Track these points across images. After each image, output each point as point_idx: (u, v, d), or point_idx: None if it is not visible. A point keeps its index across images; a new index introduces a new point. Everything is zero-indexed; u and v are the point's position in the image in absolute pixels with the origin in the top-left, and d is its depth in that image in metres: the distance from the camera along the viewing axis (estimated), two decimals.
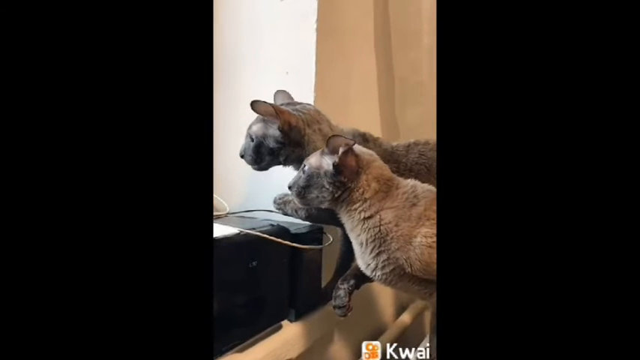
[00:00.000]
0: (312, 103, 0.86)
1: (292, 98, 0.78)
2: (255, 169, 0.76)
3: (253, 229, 0.65)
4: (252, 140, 0.73)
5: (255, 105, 0.67)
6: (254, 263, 0.64)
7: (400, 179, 0.69)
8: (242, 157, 0.75)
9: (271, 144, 0.71)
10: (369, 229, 0.64)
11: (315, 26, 0.86)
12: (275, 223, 0.75)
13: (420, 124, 1.27)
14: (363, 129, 1.15)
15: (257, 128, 0.72)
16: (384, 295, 1.20)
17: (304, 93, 0.86)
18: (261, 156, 0.73)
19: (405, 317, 1.18)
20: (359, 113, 1.09)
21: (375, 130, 1.21)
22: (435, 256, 0.62)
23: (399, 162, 0.74)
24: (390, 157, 0.76)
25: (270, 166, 0.74)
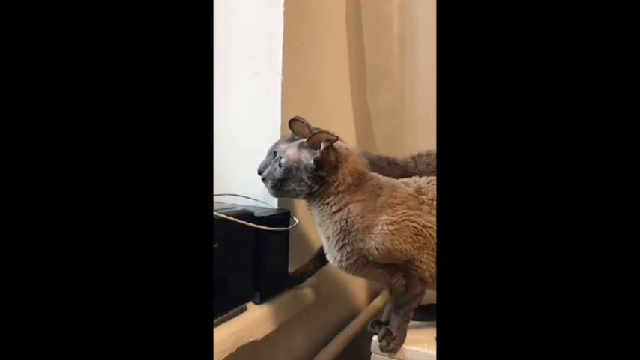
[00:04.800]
0: (279, 87, 0.86)
1: (309, 125, 0.79)
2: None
3: (216, 211, 0.65)
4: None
5: (292, 123, 0.69)
6: (215, 244, 0.64)
7: (369, 172, 0.70)
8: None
9: None
10: (336, 222, 0.65)
11: (282, 10, 0.85)
12: (240, 207, 0.75)
13: (390, 111, 1.28)
14: (333, 115, 1.15)
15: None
16: (357, 281, 1.21)
17: (271, 76, 0.86)
18: None
19: (378, 302, 1.20)
20: (329, 99, 1.09)
21: (347, 117, 1.22)
22: (396, 241, 0.63)
23: (413, 174, 0.77)
24: (406, 173, 0.82)
25: None
